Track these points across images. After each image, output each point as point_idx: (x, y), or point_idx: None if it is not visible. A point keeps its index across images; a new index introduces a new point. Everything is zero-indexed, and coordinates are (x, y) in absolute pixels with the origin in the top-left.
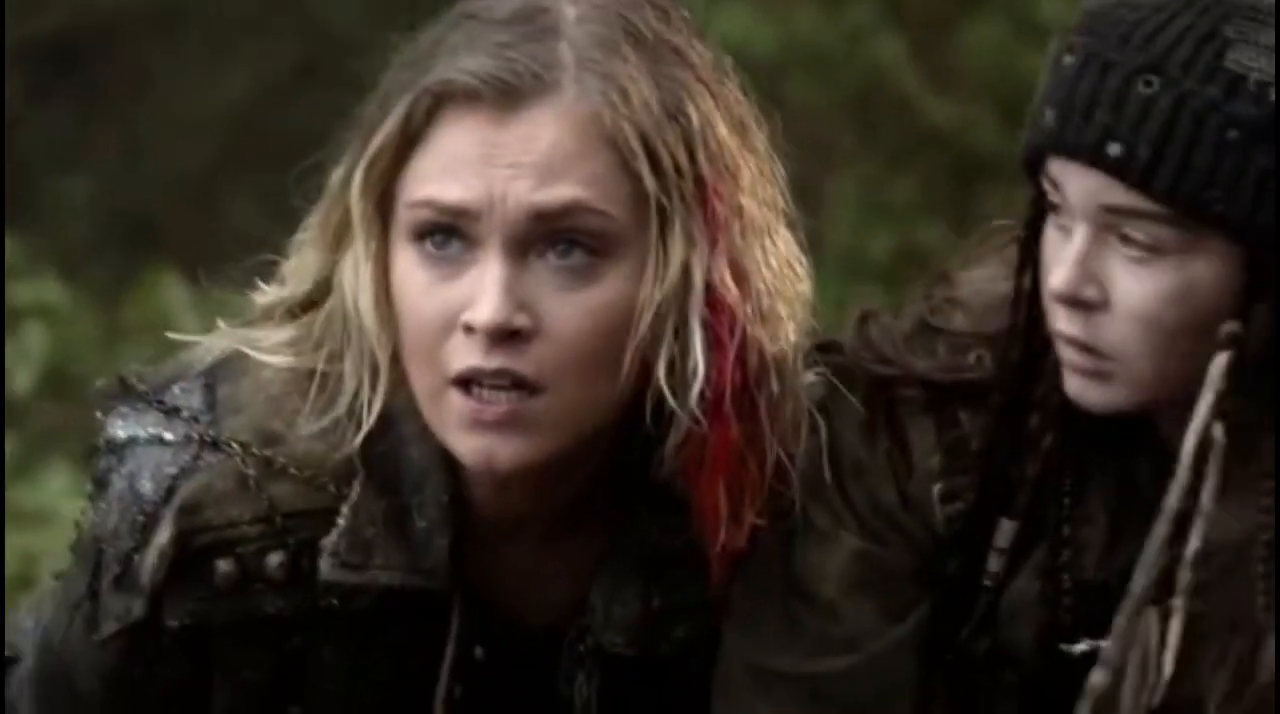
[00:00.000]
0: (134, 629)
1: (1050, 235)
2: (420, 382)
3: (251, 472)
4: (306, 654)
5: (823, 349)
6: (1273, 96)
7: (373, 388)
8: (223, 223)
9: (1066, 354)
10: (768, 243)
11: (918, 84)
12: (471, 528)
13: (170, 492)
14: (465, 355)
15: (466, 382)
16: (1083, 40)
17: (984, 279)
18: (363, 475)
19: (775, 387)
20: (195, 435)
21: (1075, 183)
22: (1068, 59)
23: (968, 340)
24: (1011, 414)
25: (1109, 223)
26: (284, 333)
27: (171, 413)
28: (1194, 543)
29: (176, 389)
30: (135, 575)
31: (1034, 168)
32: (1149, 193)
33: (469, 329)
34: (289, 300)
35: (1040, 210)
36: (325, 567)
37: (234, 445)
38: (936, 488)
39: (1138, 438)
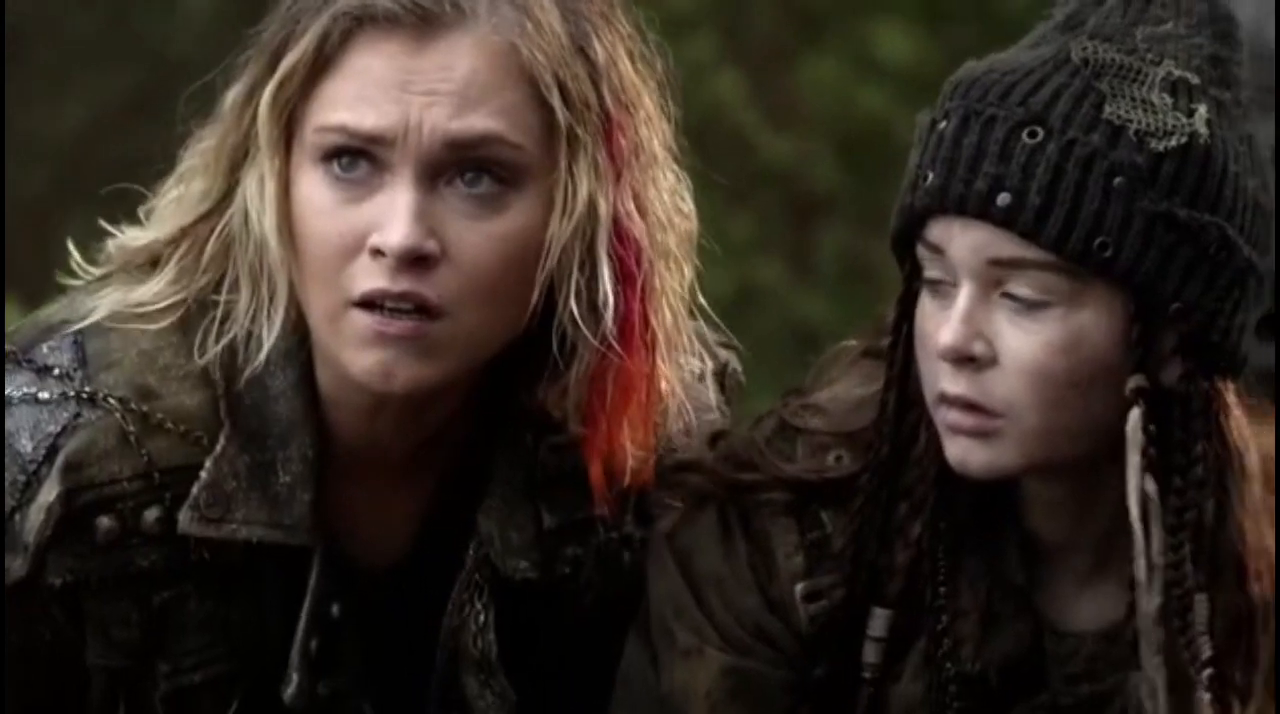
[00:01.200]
0: (14, 588)
1: (925, 305)
2: (318, 302)
3: (132, 428)
4: (172, 608)
5: (680, 468)
6: (1152, 145)
7: (271, 309)
8: (61, 251)
9: (950, 417)
10: (660, 177)
11: (756, 120)
12: (328, 470)
13: (52, 450)
14: (371, 277)
15: (369, 303)
16: (957, 104)
17: (840, 387)
18: (228, 428)
19: (670, 318)
20: (71, 392)
21: (960, 240)
22: (942, 124)
23: (826, 440)
24: (881, 501)
25: (995, 277)
26: (163, 278)
27: (43, 371)
28: (1156, 599)
29: (45, 347)
30: (16, 534)
31: (906, 242)
32: (1038, 242)
33: (377, 252)
34: (161, 240)
35: (913, 285)
36: (184, 519)
37: (112, 401)
38: (799, 588)
39: (1004, 527)
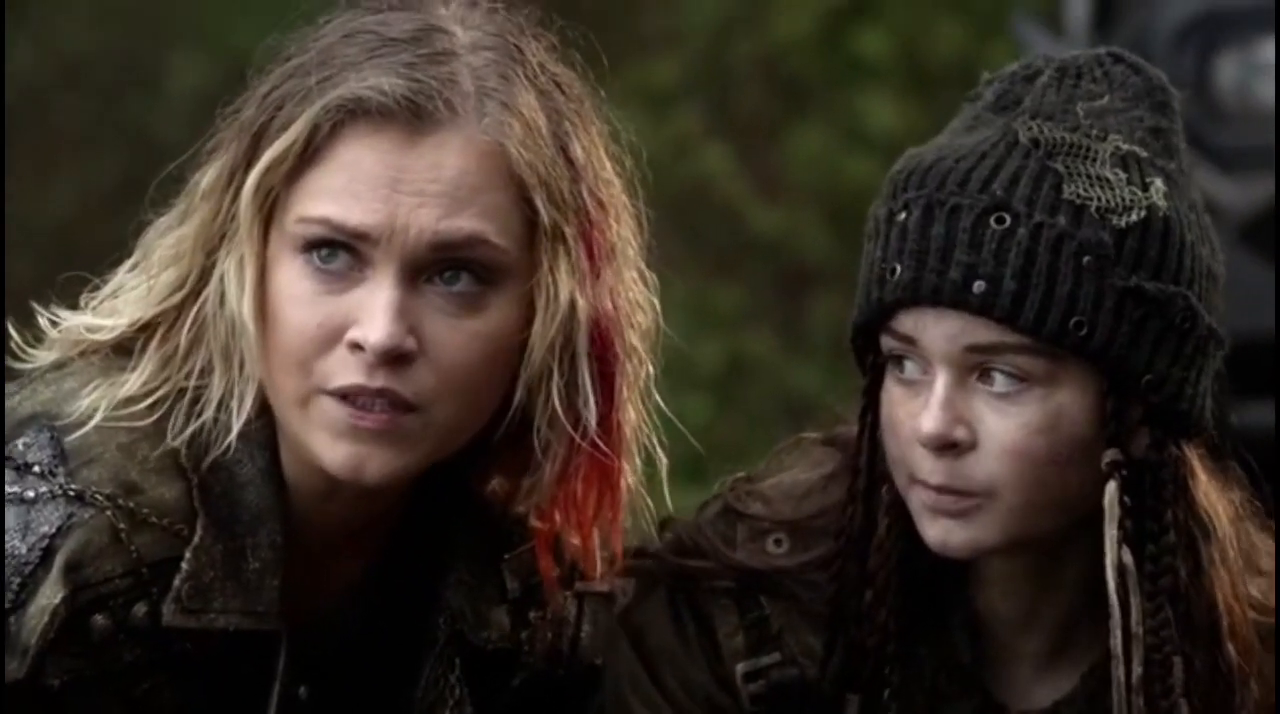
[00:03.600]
0: (10, 691)
1: (895, 395)
2: (288, 388)
3: (122, 525)
4: (150, 698)
5: (634, 553)
6: (1114, 221)
7: (241, 391)
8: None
9: (929, 499)
10: (628, 274)
11: (744, 192)
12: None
13: (49, 551)
14: (348, 372)
15: (342, 395)
16: (915, 195)
17: (786, 474)
18: (203, 517)
19: (633, 416)
20: (58, 491)
21: (934, 330)
22: (903, 215)
23: (766, 526)
24: (851, 586)
25: (972, 363)
26: (146, 369)
27: (22, 469)
28: (1136, 669)
29: (20, 444)
30: (14, 637)
31: (869, 333)
32: (1015, 326)
33: (355, 347)
34: (131, 328)
35: (878, 377)
36: (168, 612)
37: (100, 498)
38: (740, 668)
39: (952, 607)
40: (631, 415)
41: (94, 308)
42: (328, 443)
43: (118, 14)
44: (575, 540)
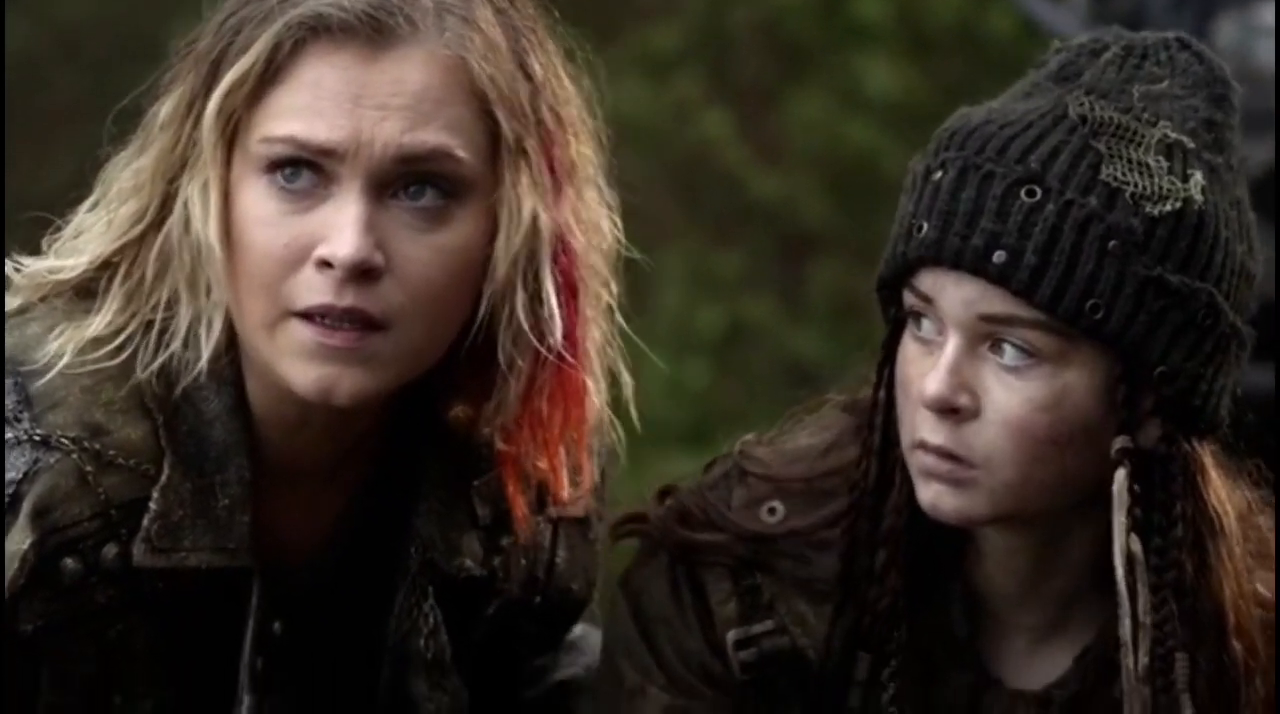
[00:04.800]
0: None
1: (910, 351)
2: (256, 312)
3: (89, 467)
4: (124, 640)
5: (629, 520)
6: (1147, 209)
7: (210, 318)
8: None
9: (926, 462)
10: (590, 194)
11: (744, 157)
12: (258, 488)
13: (16, 497)
14: (316, 291)
15: (310, 315)
16: (954, 155)
17: (792, 436)
18: (170, 456)
19: (597, 336)
20: (24, 436)
21: (953, 293)
22: (938, 174)
23: (762, 490)
24: (864, 546)
25: (984, 332)
26: (111, 307)
27: None
28: (1143, 659)
29: None
30: None
31: (893, 286)
32: (1031, 301)
33: (324, 264)
34: (92, 266)
35: (897, 331)
36: (138, 552)
37: (66, 441)
38: (731, 635)
39: (950, 578)
40: (596, 334)
41: (56, 250)
42: (297, 366)
43: None
44: (542, 463)
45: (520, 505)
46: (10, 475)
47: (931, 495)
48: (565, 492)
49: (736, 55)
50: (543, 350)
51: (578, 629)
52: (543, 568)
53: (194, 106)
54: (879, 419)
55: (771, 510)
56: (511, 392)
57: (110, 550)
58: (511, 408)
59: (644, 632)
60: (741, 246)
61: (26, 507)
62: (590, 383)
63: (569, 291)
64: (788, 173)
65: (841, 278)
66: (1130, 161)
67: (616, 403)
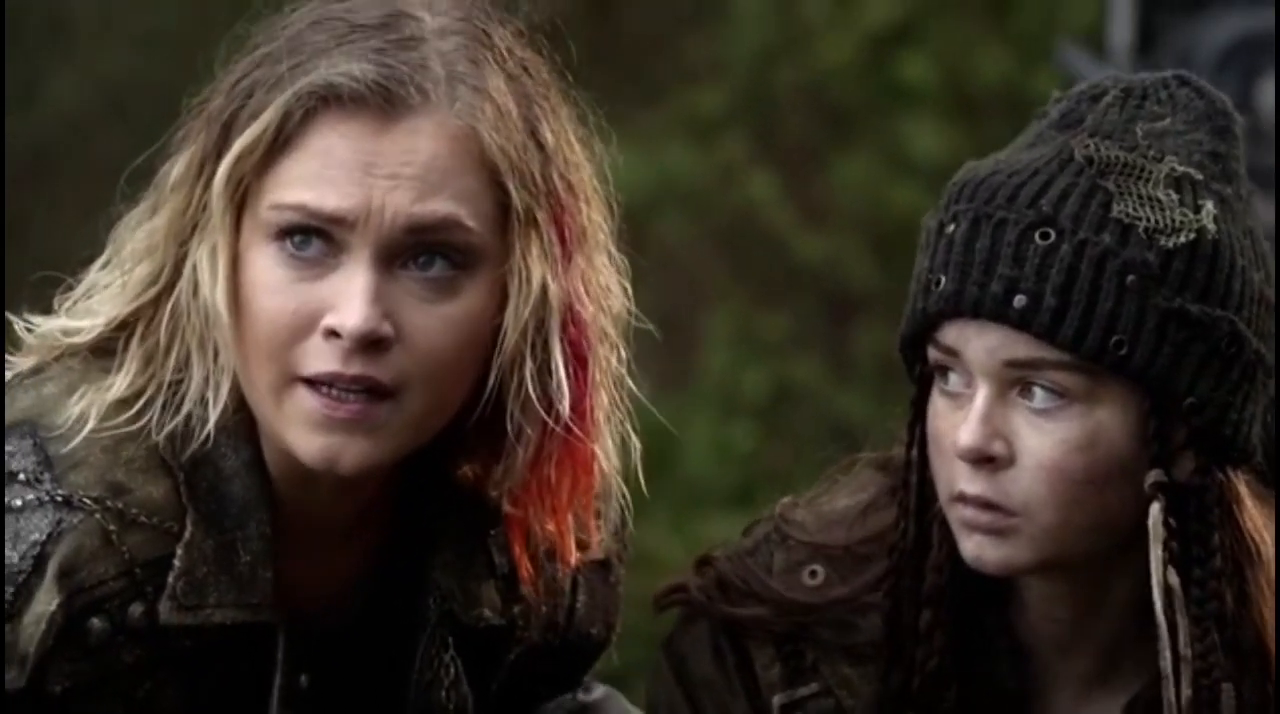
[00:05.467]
0: (11, 700)
1: (939, 406)
2: (263, 379)
3: (112, 526)
4: (152, 699)
5: (671, 591)
6: (1162, 242)
7: (218, 381)
8: None
9: (966, 514)
10: (599, 259)
11: (789, 220)
12: (278, 544)
13: (41, 559)
14: (324, 359)
15: (317, 382)
16: (965, 207)
17: (829, 497)
18: (192, 513)
19: (606, 401)
20: (46, 497)
21: (976, 343)
22: (951, 227)
23: (803, 554)
24: (906, 606)
25: (1012, 378)
26: (130, 369)
27: (9, 478)
28: (1186, 691)
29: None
30: (10, 647)
31: (916, 344)
32: (1055, 342)
33: (331, 333)
34: (108, 327)
35: (925, 388)
36: (165, 610)
37: (88, 501)
38: (777, 699)
39: (995, 632)
40: (604, 400)
41: (68, 309)
42: (302, 435)
43: (160, 43)
44: (550, 526)
45: (526, 566)
46: (35, 537)
47: (974, 547)
48: (572, 556)
49: (781, 117)
50: (550, 421)
51: (599, 690)
52: (563, 613)
53: (204, 169)
54: (913, 478)
55: (813, 574)
56: (519, 459)
57: (136, 609)
58: (519, 474)
59: (689, 696)
60: (787, 308)
61: (52, 568)
62: (599, 451)
63: (578, 362)
64: (833, 235)
65: (887, 339)
66: (1140, 197)
67: (625, 467)
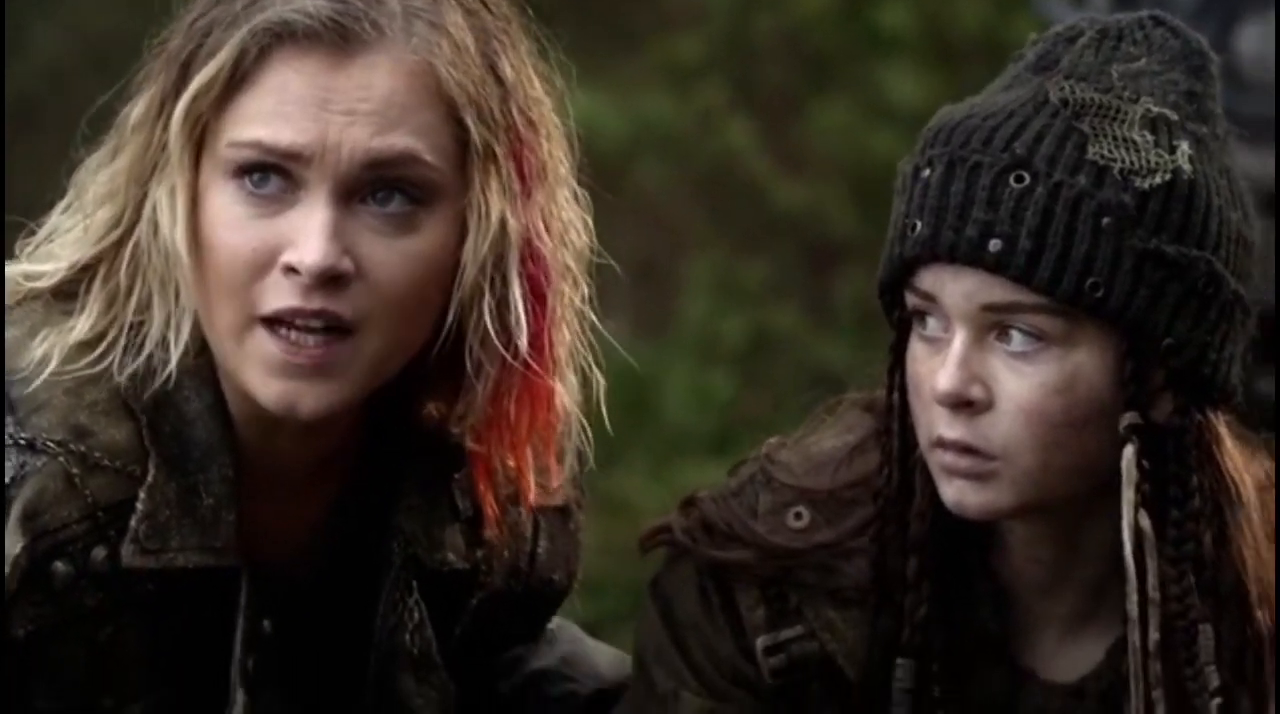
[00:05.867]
0: None
1: (918, 351)
2: (223, 318)
3: (74, 469)
4: (115, 642)
5: (655, 532)
6: (1137, 183)
7: (179, 322)
8: None
9: (946, 459)
10: (559, 194)
11: (768, 167)
12: (242, 488)
13: (3, 501)
14: (283, 295)
15: (276, 321)
16: (940, 151)
17: (816, 437)
18: (155, 456)
19: (568, 337)
20: (8, 441)
21: (952, 287)
22: (926, 172)
23: (788, 495)
24: (891, 553)
25: (989, 322)
26: (93, 311)
27: None
28: (1154, 634)
29: None
30: None
31: (895, 288)
32: (1031, 285)
33: (290, 270)
34: (71, 269)
35: (904, 333)
36: (127, 553)
37: (51, 444)
38: (760, 641)
39: (976, 574)
40: (565, 335)
41: (29, 254)
42: (261, 379)
43: None
44: (510, 462)
45: (490, 503)
46: None
47: (955, 492)
48: (532, 493)
49: (760, 65)
50: (508, 356)
51: (553, 621)
52: (525, 558)
53: (164, 109)
54: (895, 424)
55: (798, 515)
56: (479, 395)
57: (99, 553)
58: (479, 410)
59: (675, 637)
60: (766, 256)
61: (16, 510)
62: (558, 386)
63: (537, 297)
64: (812, 182)
65: (866, 287)
66: (1115, 138)
67: (588, 403)
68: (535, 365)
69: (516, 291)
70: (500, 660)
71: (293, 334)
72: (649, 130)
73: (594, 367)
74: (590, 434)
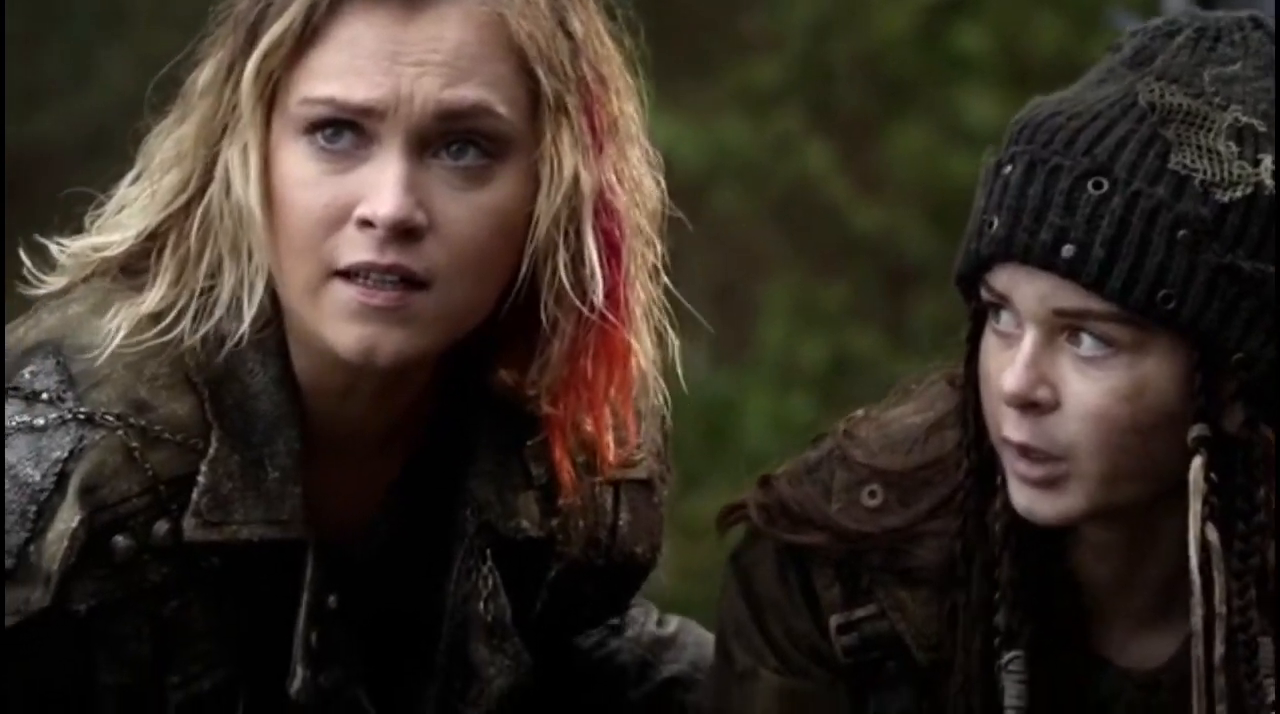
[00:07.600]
0: (32, 621)
1: (990, 344)
2: (298, 274)
3: (134, 443)
4: (179, 618)
5: (731, 511)
6: (1217, 196)
7: (253, 283)
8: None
9: (1017, 467)
10: (631, 151)
11: (846, 191)
12: (308, 459)
13: (63, 476)
14: (358, 249)
15: (352, 275)
16: (1022, 149)
17: (897, 412)
18: (217, 430)
19: (643, 296)
20: (68, 415)
21: (1025, 288)
22: (1008, 169)
23: (863, 473)
24: (971, 541)
25: (1060, 324)
26: (164, 281)
27: (31, 397)
28: (1219, 648)
29: (27, 373)
30: (34, 566)
31: (971, 281)
32: (1102, 294)
33: (365, 223)
34: (138, 240)
35: (979, 324)
36: (189, 527)
37: (110, 418)
38: (834, 620)
39: (1050, 566)
40: (640, 295)
41: (98, 226)
42: (339, 326)
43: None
44: (588, 424)
45: (567, 469)
46: (56, 455)
47: (1026, 500)
48: (611, 453)
49: (837, 88)
50: (584, 310)
51: (673, 623)
52: (605, 531)
53: (233, 70)
54: (970, 415)
55: (872, 494)
56: (555, 352)
57: (161, 527)
58: (556, 369)
59: (754, 614)
60: (844, 279)
61: (74, 484)
62: (635, 343)
63: (611, 250)
64: (889, 205)
65: (945, 309)
66: (1199, 148)
67: (664, 363)
68: (611, 319)
69: (591, 245)
70: (583, 634)
71: (369, 279)
72: (727, 156)
73: (669, 327)
74: (667, 394)
